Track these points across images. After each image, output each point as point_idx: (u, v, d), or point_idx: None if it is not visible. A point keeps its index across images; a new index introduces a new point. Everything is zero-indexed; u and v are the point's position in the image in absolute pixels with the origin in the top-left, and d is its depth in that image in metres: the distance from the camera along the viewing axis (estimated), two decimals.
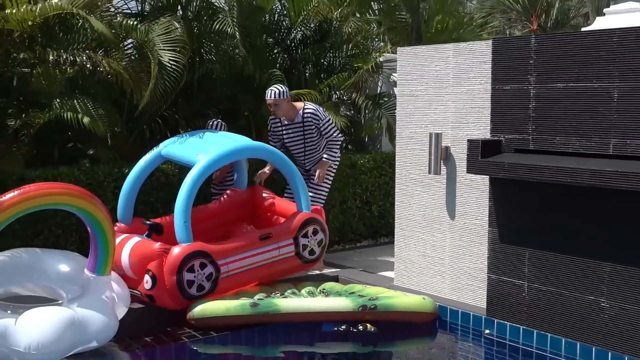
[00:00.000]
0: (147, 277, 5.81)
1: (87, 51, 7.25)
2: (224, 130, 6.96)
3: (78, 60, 7.31)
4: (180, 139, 6.71)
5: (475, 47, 6.20)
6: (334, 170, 7.46)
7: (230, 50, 8.23)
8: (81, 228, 6.70)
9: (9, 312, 4.99)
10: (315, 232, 6.52)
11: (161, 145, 6.72)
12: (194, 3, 8.48)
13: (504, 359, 5.45)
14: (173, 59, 7.14)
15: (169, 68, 7.13)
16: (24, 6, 6.61)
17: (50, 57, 7.12)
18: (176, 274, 5.70)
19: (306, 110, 7.15)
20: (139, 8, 8.29)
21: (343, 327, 5.81)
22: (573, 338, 5.17)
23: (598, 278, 5.07)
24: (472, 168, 5.68)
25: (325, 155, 7.07)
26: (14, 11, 6.56)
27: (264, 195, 7.18)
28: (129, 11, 8.32)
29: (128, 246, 5.97)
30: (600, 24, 6.74)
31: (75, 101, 6.94)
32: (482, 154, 5.58)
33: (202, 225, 6.53)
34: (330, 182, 7.43)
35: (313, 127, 7.10)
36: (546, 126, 5.33)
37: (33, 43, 7.19)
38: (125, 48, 7.55)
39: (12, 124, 6.91)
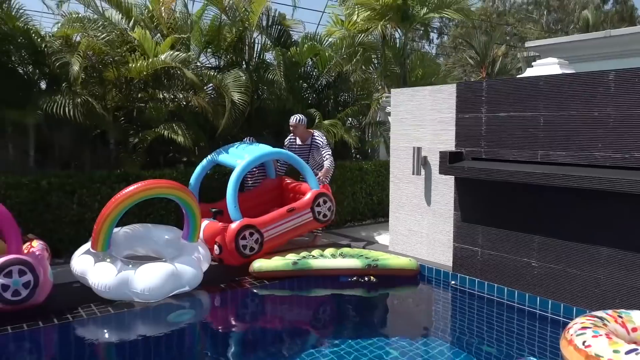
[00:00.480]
0: (215, 246, 5.87)
1: (182, 92, 7.29)
2: (253, 142, 6.87)
3: (176, 98, 7.37)
4: (224, 149, 6.71)
5: (444, 88, 6.13)
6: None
7: (277, 91, 8.21)
8: (177, 211, 6.77)
9: (130, 266, 5.01)
10: (325, 202, 6.46)
11: (213, 154, 6.73)
12: (254, 60, 8.47)
13: (464, 302, 5.35)
14: (240, 97, 7.14)
15: (237, 103, 7.13)
16: (140, 61, 6.66)
17: (159, 96, 7.19)
18: (234, 242, 5.72)
19: (314, 136, 7.08)
20: (217, 63, 8.28)
21: (354, 278, 5.77)
22: (512, 287, 5.09)
23: (529, 245, 4.99)
24: (442, 170, 5.61)
25: (326, 163, 6.86)
26: (135, 65, 6.62)
27: (288, 181, 7.19)
28: (209, 65, 8.30)
29: (202, 226, 5.98)
30: (530, 72, 6.65)
31: (174, 125, 6.96)
32: (449, 161, 5.52)
33: (247, 205, 6.50)
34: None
35: (315, 148, 7.03)
36: (493, 141, 5.26)
37: (146, 87, 7.23)
38: (207, 89, 7.56)
39: (133, 140, 6.96)
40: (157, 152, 7.74)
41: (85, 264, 5.05)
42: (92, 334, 4.68)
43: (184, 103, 7.61)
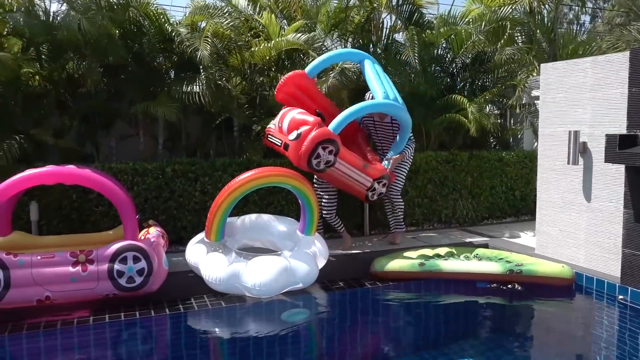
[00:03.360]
0: (295, 132, 5.07)
1: None
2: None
3: None
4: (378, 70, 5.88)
5: (612, 58, 4.92)
6: (408, 167, 6.23)
7: (408, 74, 7.43)
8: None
9: (242, 258, 4.66)
10: (384, 186, 5.57)
11: (368, 61, 5.92)
12: (382, 42, 7.79)
13: (636, 323, 4.20)
14: None
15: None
16: (264, 44, 6.35)
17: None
18: (314, 144, 4.95)
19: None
20: (343, 46, 7.74)
21: (493, 285, 4.87)
22: None
23: None
24: (609, 158, 4.48)
25: (406, 149, 5.92)
26: (258, 48, 6.33)
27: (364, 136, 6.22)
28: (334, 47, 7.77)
29: (294, 111, 5.33)
30: None
31: None
32: (619, 146, 4.37)
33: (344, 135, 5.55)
34: (405, 176, 6.24)
35: (397, 128, 5.96)
36: None
37: (269, 71, 6.93)
38: (331, 73, 7.04)
39: (255, 127, 6.70)
40: None
41: (198, 254, 4.80)
42: (201, 326, 4.40)
43: None
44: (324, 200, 5.95)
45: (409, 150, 6.02)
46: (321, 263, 4.93)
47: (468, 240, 6.28)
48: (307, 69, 5.76)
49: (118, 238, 4.63)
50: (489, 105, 8.26)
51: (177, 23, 6.59)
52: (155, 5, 6.50)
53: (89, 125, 6.55)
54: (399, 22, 7.91)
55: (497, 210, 7.79)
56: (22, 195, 5.11)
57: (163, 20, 6.46)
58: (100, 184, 4.46)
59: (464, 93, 7.98)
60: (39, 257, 4.23)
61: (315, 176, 5.93)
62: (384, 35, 7.83)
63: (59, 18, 5.99)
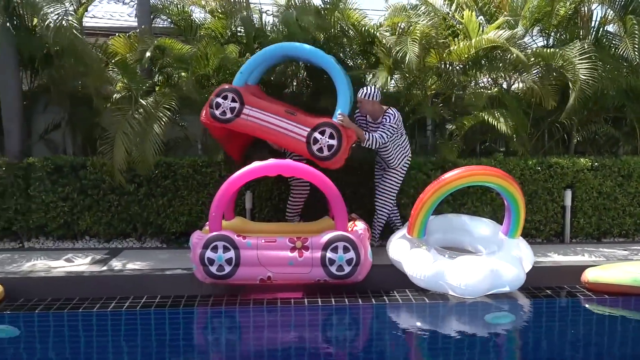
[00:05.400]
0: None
1: (504, 74, 6.65)
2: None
3: (497, 82, 6.77)
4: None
5: None
6: (399, 177, 5.70)
7: (622, 69, 6.76)
8: (493, 203, 6.21)
9: (446, 256, 4.69)
10: (331, 136, 5.07)
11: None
12: (590, 35, 7.19)
13: None
14: (587, 75, 6.04)
15: (584, 82, 6.07)
16: (463, 43, 6.30)
17: (478, 80, 6.72)
18: (212, 96, 5.26)
19: (386, 114, 5.43)
20: (545, 42, 7.30)
21: None
22: None
23: None
24: None
25: (375, 135, 5.24)
26: (457, 47, 6.30)
27: None
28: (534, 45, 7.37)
29: None
30: None
31: (495, 111, 6.38)
32: None
33: None
34: (397, 183, 5.72)
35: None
36: None
37: (465, 71, 6.84)
38: (532, 71, 6.71)
39: (450, 127, 6.67)
40: (472, 141, 7.27)
41: (400, 249, 4.94)
42: (406, 319, 4.55)
43: (505, 87, 6.92)
44: (294, 189, 5.83)
45: (376, 135, 5.27)
46: (527, 267, 4.75)
47: None
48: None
49: (324, 228, 4.99)
50: None
51: (377, 25, 6.83)
52: (357, 10, 6.82)
53: None
54: (611, 12, 7.23)
55: None
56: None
57: (364, 23, 6.75)
58: (315, 176, 4.83)
59: None
60: (263, 241, 4.73)
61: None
62: (593, 27, 7.22)
63: (269, 21, 6.64)
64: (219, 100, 5.21)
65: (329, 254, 4.65)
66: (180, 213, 6.12)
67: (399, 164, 5.63)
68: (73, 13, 6.04)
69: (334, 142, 5.05)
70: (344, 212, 4.83)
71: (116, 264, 5.25)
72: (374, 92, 5.43)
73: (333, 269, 4.66)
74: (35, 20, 6.43)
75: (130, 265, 5.18)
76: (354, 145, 5.34)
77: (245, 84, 5.47)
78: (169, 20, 6.98)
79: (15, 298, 4.59)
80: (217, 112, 5.18)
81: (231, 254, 4.65)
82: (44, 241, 6.16)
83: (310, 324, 4.40)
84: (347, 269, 4.66)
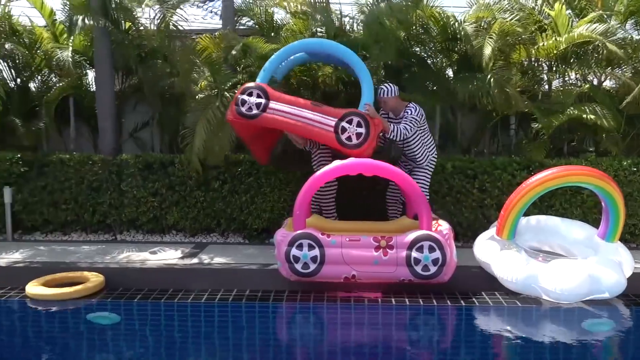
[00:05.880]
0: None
1: (596, 69, 6.34)
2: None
3: (586, 78, 6.46)
4: None
5: None
6: (428, 175, 5.59)
7: None
8: (583, 205, 5.94)
9: (539, 259, 4.54)
10: (359, 125, 5.00)
11: None
12: None
13: None
14: None
15: None
16: (553, 39, 6.07)
17: (567, 77, 6.45)
18: (237, 94, 5.29)
19: (407, 107, 5.39)
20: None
21: None
22: None
23: None
24: None
25: (399, 126, 5.26)
26: (547, 42, 6.08)
27: None
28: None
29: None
30: None
31: (585, 108, 6.11)
32: None
33: None
34: (427, 181, 5.59)
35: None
36: None
37: (552, 67, 6.59)
38: (624, 67, 6.36)
39: (535, 126, 6.45)
40: (559, 140, 6.99)
41: (489, 251, 4.82)
42: (497, 322, 4.44)
43: (595, 82, 6.60)
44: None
45: (400, 127, 5.26)
46: (627, 273, 4.51)
47: None
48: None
49: (405, 228, 4.94)
50: None
51: (461, 21, 6.70)
52: (439, 6, 6.71)
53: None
54: None
55: None
56: None
57: (447, 20, 6.63)
58: (397, 175, 4.80)
59: None
60: (347, 239, 4.74)
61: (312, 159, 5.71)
62: None
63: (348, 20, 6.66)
64: (245, 97, 5.26)
65: (414, 254, 4.60)
66: (262, 210, 6.25)
67: (426, 160, 5.58)
68: (163, 17, 6.32)
69: (362, 130, 5.02)
70: (429, 211, 4.77)
71: (205, 257, 5.44)
72: (393, 88, 5.48)
73: (418, 268, 4.61)
74: (128, 24, 6.78)
75: (218, 259, 5.35)
76: (380, 135, 5.34)
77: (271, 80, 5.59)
78: (253, 21, 7.16)
79: (114, 287, 4.85)
80: (244, 109, 5.23)
81: (316, 252, 4.69)
82: (135, 234, 6.47)
83: (397, 322, 4.38)
84: (433, 269, 4.60)
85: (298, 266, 4.69)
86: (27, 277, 4.85)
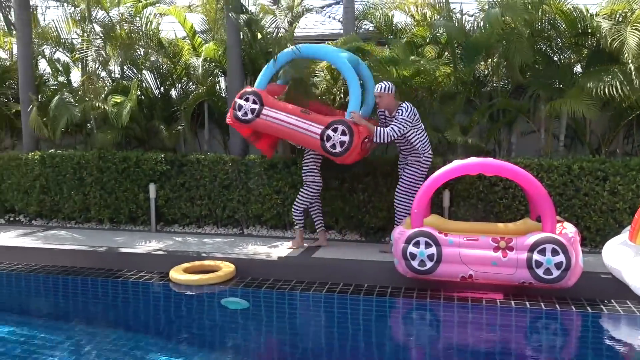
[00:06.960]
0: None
1: None
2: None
3: None
4: None
5: None
6: (421, 170, 5.51)
7: None
8: None
9: None
10: (343, 133, 5.30)
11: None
12: None
13: None
14: None
15: None
16: None
17: None
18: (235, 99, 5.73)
19: (400, 106, 5.41)
20: None
21: None
22: None
23: None
24: None
25: (386, 129, 5.30)
26: None
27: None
28: None
29: None
30: None
31: None
32: None
33: None
34: (418, 175, 5.52)
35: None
36: None
37: None
38: None
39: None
40: None
41: (621, 257, 4.56)
42: (628, 332, 4.19)
43: None
44: (309, 185, 5.90)
45: (392, 131, 5.28)
46: None
47: None
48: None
49: (526, 230, 4.80)
50: None
51: (593, 15, 6.34)
52: (568, 1, 6.41)
53: (493, 123, 6.96)
54: None
55: None
56: None
57: (576, 15, 6.31)
58: (522, 176, 4.70)
59: None
60: (465, 239, 4.75)
61: (303, 160, 5.98)
62: None
63: (472, 20, 6.58)
64: (242, 102, 5.62)
65: (535, 256, 4.49)
66: (379, 209, 6.42)
67: (423, 153, 5.50)
68: (289, 25, 6.73)
69: (345, 138, 5.27)
70: (553, 213, 4.62)
71: (324, 253, 5.73)
72: (390, 86, 5.55)
73: (540, 271, 4.49)
74: (259, 34, 7.30)
75: (338, 255, 5.61)
76: (366, 140, 5.42)
77: (270, 85, 5.97)
78: (372, 25, 7.36)
79: (243, 277, 5.31)
80: (240, 114, 5.61)
81: (433, 250, 4.76)
82: (260, 229, 6.97)
83: (517, 325, 4.31)
84: (556, 272, 4.46)
85: (414, 263, 4.80)
86: (167, 264, 5.49)
